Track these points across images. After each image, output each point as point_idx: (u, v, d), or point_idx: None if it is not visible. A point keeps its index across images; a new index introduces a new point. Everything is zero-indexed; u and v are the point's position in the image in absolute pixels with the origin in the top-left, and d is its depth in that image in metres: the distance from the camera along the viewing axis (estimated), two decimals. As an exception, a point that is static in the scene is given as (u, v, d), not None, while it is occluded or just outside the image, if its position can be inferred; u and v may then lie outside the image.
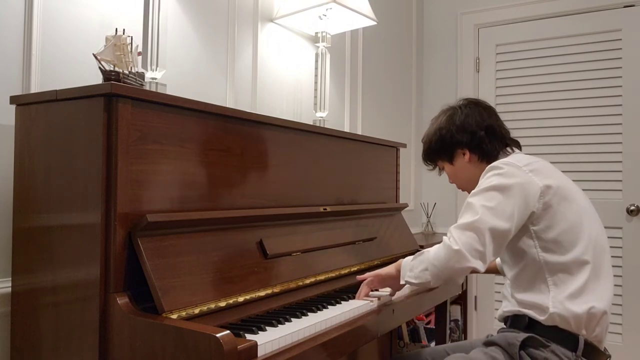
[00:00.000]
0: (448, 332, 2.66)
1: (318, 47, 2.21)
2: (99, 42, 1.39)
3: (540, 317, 1.34)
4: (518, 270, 1.42)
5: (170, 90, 1.53)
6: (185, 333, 0.94)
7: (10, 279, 1.24)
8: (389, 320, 1.47)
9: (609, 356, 1.40)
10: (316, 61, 2.22)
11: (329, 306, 1.37)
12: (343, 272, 1.65)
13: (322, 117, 2.21)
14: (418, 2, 3.48)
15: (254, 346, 0.97)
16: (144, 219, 1.08)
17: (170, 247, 1.12)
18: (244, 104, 2.03)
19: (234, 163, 1.37)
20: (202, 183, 1.27)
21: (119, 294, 1.05)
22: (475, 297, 3.30)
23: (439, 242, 2.42)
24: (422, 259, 1.37)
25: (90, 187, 1.08)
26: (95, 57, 1.26)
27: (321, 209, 1.65)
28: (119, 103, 1.07)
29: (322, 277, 1.55)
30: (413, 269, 1.38)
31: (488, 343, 1.41)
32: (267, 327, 1.13)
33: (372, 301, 1.44)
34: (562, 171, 1.51)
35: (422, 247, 2.27)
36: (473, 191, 1.40)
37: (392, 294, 1.52)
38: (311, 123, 2.08)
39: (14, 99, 1.23)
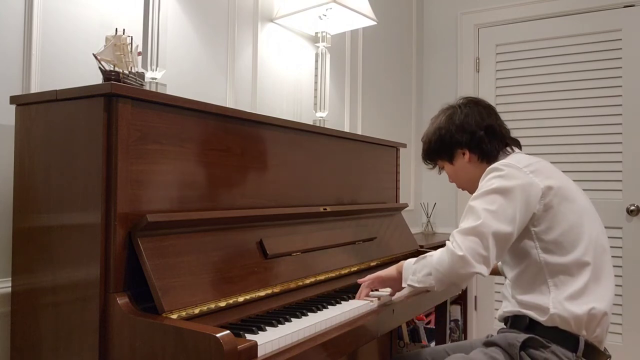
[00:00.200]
0: (448, 332, 2.66)
1: (318, 47, 2.21)
2: (99, 42, 1.39)
3: (540, 318, 1.34)
4: (519, 271, 1.42)
5: (170, 90, 1.53)
6: (185, 333, 0.94)
7: (10, 279, 1.24)
8: (389, 320, 1.47)
9: (609, 356, 1.39)
10: (316, 61, 2.22)
11: (329, 306, 1.37)
12: (343, 272, 1.65)
13: (322, 117, 2.21)
14: (418, 2, 3.48)
15: (254, 346, 0.97)
16: (144, 219, 1.08)
17: (170, 247, 1.12)
18: (244, 104, 2.03)
19: (234, 163, 1.37)
20: (202, 183, 1.27)
21: (119, 294, 1.05)
22: (475, 297, 3.30)
23: (439, 242, 2.41)
24: (425, 263, 1.36)
25: (90, 187, 1.08)
26: (95, 57, 1.26)
27: (321, 209, 1.65)
28: (119, 103, 1.07)
29: (322, 277, 1.55)
30: (416, 272, 1.38)
31: (488, 343, 1.41)
32: (267, 327, 1.13)
33: (372, 301, 1.44)
34: (562, 171, 1.50)
35: (422, 247, 2.28)
36: (474, 194, 1.40)
37: (392, 294, 1.52)
38: (311, 123, 2.08)
39: (14, 99, 1.23)
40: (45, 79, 1.38)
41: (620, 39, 2.94)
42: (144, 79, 1.37)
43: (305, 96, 2.39)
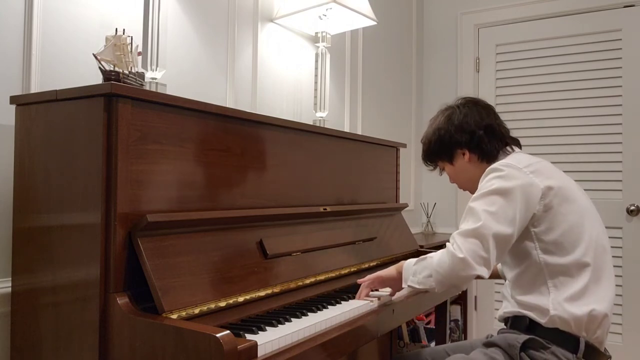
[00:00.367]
0: (448, 332, 2.66)
1: (318, 47, 2.21)
2: (99, 42, 1.39)
3: (541, 320, 1.34)
4: (518, 272, 1.41)
5: (170, 90, 1.53)
6: (185, 333, 0.94)
7: (10, 279, 1.24)
8: (389, 320, 1.47)
9: (609, 357, 1.39)
10: (316, 61, 2.22)
11: (329, 306, 1.37)
12: (343, 272, 1.65)
13: (322, 117, 2.21)
14: (418, 2, 3.48)
15: (254, 346, 0.97)
16: (144, 219, 1.08)
17: (170, 247, 1.12)
18: (244, 104, 2.03)
19: (234, 163, 1.37)
20: (202, 183, 1.27)
21: (119, 294, 1.05)
22: (475, 297, 3.30)
23: (439, 242, 2.41)
24: (425, 265, 1.36)
25: (90, 187, 1.08)
26: (95, 57, 1.26)
27: (321, 209, 1.65)
28: (119, 103, 1.07)
29: (322, 277, 1.55)
30: (416, 273, 1.38)
31: (488, 344, 1.41)
32: (267, 327, 1.13)
33: (372, 301, 1.44)
34: (563, 171, 1.50)
35: (422, 247, 2.28)
36: (474, 195, 1.39)
37: (392, 294, 1.52)
38: (311, 123, 2.08)
39: (14, 99, 1.23)
40: (45, 79, 1.38)
41: (620, 39, 2.94)
42: (144, 79, 1.37)
43: (305, 96, 2.39)
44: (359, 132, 2.75)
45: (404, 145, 2.32)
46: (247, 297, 1.24)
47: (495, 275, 1.76)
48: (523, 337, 1.34)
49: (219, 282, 1.19)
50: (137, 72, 1.32)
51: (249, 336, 1.04)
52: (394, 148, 2.26)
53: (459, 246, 1.29)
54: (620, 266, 2.89)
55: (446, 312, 2.31)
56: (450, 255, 1.29)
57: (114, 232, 1.06)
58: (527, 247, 1.39)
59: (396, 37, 3.23)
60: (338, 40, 2.60)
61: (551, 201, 1.36)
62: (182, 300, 1.08)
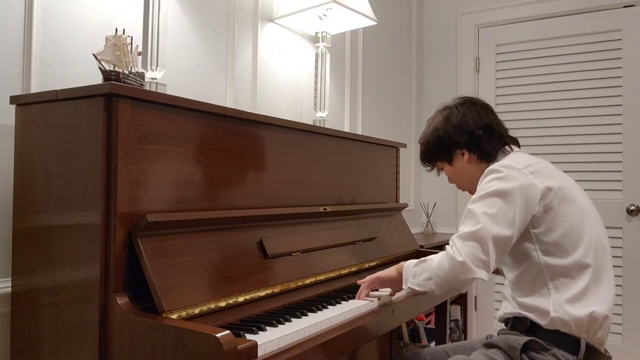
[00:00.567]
0: (448, 332, 2.66)
1: (318, 47, 2.21)
2: (99, 42, 1.39)
3: (541, 322, 1.33)
4: (518, 273, 1.41)
5: (170, 90, 1.53)
6: (185, 333, 0.94)
7: (10, 279, 1.24)
8: (389, 320, 1.47)
9: (610, 357, 1.39)
10: (316, 61, 2.22)
11: (329, 306, 1.37)
12: (343, 272, 1.65)
13: (322, 117, 2.21)
14: (418, 2, 3.48)
15: (254, 346, 0.97)
16: (144, 219, 1.08)
17: (170, 247, 1.12)
18: (244, 104, 2.03)
19: (233, 163, 1.37)
20: (202, 183, 1.27)
21: (119, 294, 1.05)
22: (475, 297, 3.30)
23: (439, 242, 2.41)
24: (425, 267, 1.36)
25: (90, 187, 1.08)
26: (95, 57, 1.26)
27: (321, 209, 1.65)
28: (119, 103, 1.07)
29: (322, 277, 1.55)
30: (416, 275, 1.38)
31: (489, 345, 1.41)
32: (267, 327, 1.13)
33: (372, 301, 1.44)
34: (563, 171, 1.50)
35: (422, 247, 2.28)
36: (473, 197, 1.39)
37: (392, 294, 1.52)
38: (311, 123, 2.08)
39: (14, 99, 1.23)
40: (45, 79, 1.38)
41: (620, 39, 2.94)
42: (144, 79, 1.37)
43: (305, 96, 2.39)
44: (359, 132, 2.75)
45: (404, 145, 2.32)
46: (247, 297, 1.24)
47: (496, 271, 1.75)
48: (524, 339, 1.33)
49: (219, 282, 1.19)
50: (137, 72, 1.32)
51: (249, 336, 1.04)
52: (394, 148, 2.26)
53: (458, 249, 1.29)
54: (620, 266, 2.89)
55: (446, 312, 2.31)
56: (450, 259, 1.29)
57: (114, 232, 1.06)
58: (527, 249, 1.38)
59: (396, 37, 3.23)
60: (338, 40, 2.60)
61: (551, 202, 1.35)
62: (182, 300, 1.08)
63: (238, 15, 2.01)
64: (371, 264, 1.81)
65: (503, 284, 1.56)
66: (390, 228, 2.06)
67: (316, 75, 2.22)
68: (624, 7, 2.95)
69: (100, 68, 1.26)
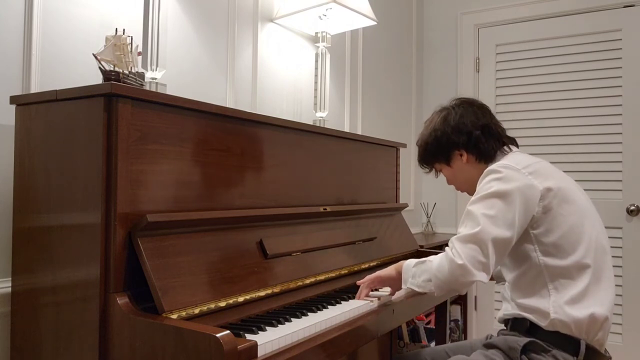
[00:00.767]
0: (448, 332, 2.66)
1: (318, 47, 2.21)
2: (99, 42, 1.39)
3: (541, 323, 1.33)
4: (518, 274, 1.41)
5: (170, 90, 1.53)
6: (185, 333, 0.94)
7: (10, 279, 1.24)
8: (389, 320, 1.47)
9: (610, 358, 1.39)
10: (316, 61, 2.22)
11: (329, 306, 1.37)
12: (343, 272, 1.65)
13: (322, 117, 2.21)
14: (418, 2, 3.48)
15: (254, 346, 0.96)
16: (144, 219, 1.08)
17: (170, 247, 1.12)
18: (244, 104, 2.03)
19: (233, 163, 1.37)
20: (202, 183, 1.27)
21: (119, 294, 1.05)
22: (475, 297, 3.30)
23: (439, 242, 2.40)
24: (424, 269, 1.36)
25: (90, 187, 1.08)
26: (95, 57, 1.26)
27: (321, 209, 1.65)
28: (119, 103, 1.07)
29: (322, 277, 1.55)
30: (415, 276, 1.37)
31: (489, 345, 1.41)
32: (267, 327, 1.13)
33: (372, 301, 1.44)
34: (563, 171, 1.49)
35: (422, 247, 2.28)
36: (472, 198, 1.38)
37: (392, 293, 1.52)
38: (311, 123, 2.08)
39: (14, 99, 1.23)
40: (45, 79, 1.38)
41: (620, 39, 2.94)
42: (144, 79, 1.37)
43: (305, 96, 2.39)
44: (359, 132, 2.75)
45: (404, 145, 2.32)
46: (247, 297, 1.24)
47: (490, 279, 1.75)
48: (524, 340, 1.33)
49: (219, 282, 1.19)
50: (137, 72, 1.32)
51: (249, 336, 1.04)
52: (394, 148, 2.26)
53: (458, 252, 1.28)
54: (620, 266, 2.89)
55: (446, 312, 2.31)
56: (450, 261, 1.29)
57: (114, 232, 1.06)
58: (526, 250, 1.38)
59: (396, 37, 3.23)
60: (338, 40, 2.60)
61: (550, 202, 1.35)
62: (182, 300, 1.08)
63: (238, 15, 2.01)
64: (371, 264, 1.81)
65: (503, 284, 1.55)
66: (390, 228, 2.06)
67: (316, 75, 2.22)
68: (624, 7, 2.95)
69: (100, 68, 1.26)
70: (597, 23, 3.01)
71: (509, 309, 1.43)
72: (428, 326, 2.72)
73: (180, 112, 1.22)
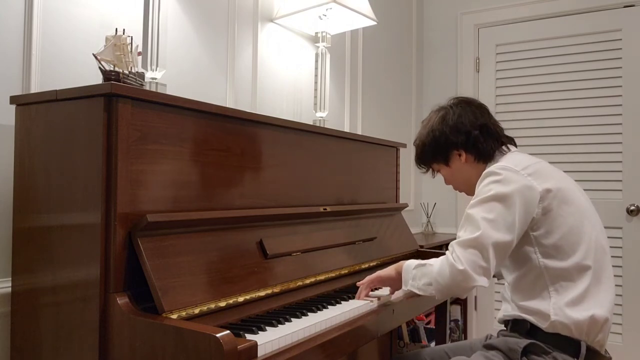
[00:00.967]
0: (448, 332, 2.67)
1: (318, 47, 2.21)
2: (99, 42, 1.39)
3: (541, 325, 1.33)
4: (518, 275, 1.40)
5: (170, 90, 1.53)
6: (185, 333, 0.94)
7: (10, 279, 1.24)
8: (389, 320, 1.47)
9: (610, 358, 1.38)
10: (316, 61, 2.22)
11: (329, 306, 1.37)
12: (343, 272, 1.65)
13: (322, 117, 2.21)
14: (418, 2, 3.48)
15: (254, 346, 0.97)
16: (144, 219, 1.08)
17: (170, 247, 1.12)
18: (244, 104, 2.03)
19: (233, 163, 1.37)
20: (202, 183, 1.27)
21: (119, 294, 1.05)
22: (475, 297, 3.30)
23: (439, 242, 2.39)
24: (425, 272, 1.35)
25: (90, 187, 1.08)
26: (95, 57, 1.26)
27: (321, 209, 1.65)
28: (119, 103, 1.07)
29: (322, 277, 1.55)
30: (416, 279, 1.37)
31: (489, 346, 1.40)
32: (267, 327, 1.13)
33: (372, 301, 1.44)
34: (563, 171, 1.49)
35: (422, 247, 2.28)
36: (472, 201, 1.37)
37: (391, 292, 1.51)
38: (311, 123, 2.08)
39: (14, 99, 1.23)
40: (45, 79, 1.38)
41: (620, 39, 2.94)
42: (144, 79, 1.37)
43: (305, 96, 2.39)
44: (359, 132, 2.75)
45: (404, 145, 2.32)
46: (247, 297, 1.24)
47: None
48: (524, 342, 1.33)
49: (219, 282, 1.19)
50: (137, 72, 1.32)
51: (249, 336, 1.04)
52: (394, 148, 2.26)
53: (458, 257, 1.28)
54: (620, 266, 2.89)
55: (446, 312, 2.31)
56: (450, 266, 1.28)
57: (114, 232, 1.06)
58: (526, 252, 1.37)
59: (396, 37, 3.23)
60: (338, 40, 2.60)
61: (550, 204, 1.34)
62: (182, 300, 1.08)
63: (238, 15, 2.01)
64: (371, 264, 1.81)
65: (503, 284, 1.55)
66: (390, 228, 2.06)
67: (316, 75, 2.22)
68: (624, 7, 2.95)
69: (100, 68, 1.26)
70: (597, 23, 3.01)
71: (509, 310, 1.42)
72: (428, 326, 2.72)
73: (180, 112, 1.22)
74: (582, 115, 3.04)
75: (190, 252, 1.16)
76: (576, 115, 3.05)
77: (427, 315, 2.76)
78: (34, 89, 1.34)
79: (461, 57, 3.40)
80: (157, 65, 1.45)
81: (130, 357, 1.01)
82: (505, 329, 1.45)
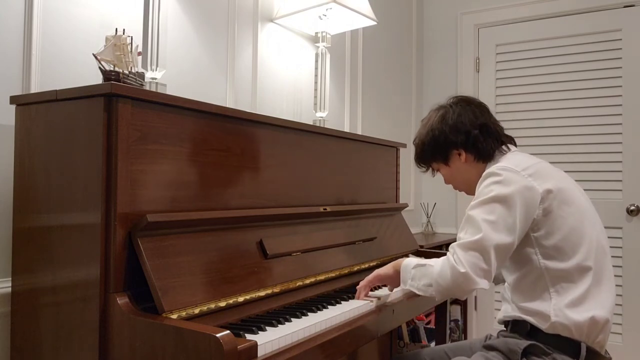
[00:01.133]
0: (448, 332, 2.67)
1: (318, 47, 2.21)
2: (99, 42, 1.39)
3: (541, 326, 1.32)
4: (519, 276, 1.40)
5: (170, 90, 1.53)
6: (185, 333, 0.94)
7: (10, 279, 1.24)
8: (389, 320, 1.47)
9: (610, 358, 1.38)
10: (316, 61, 2.22)
11: (329, 306, 1.37)
12: (343, 272, 1.65)
13: (322, 117, 2.21)
14: (418, 2, 3.48)
15: (254, 346, 0.97)
16: (144, 219, 1.08)
17: (170, 247, 1.12)
18: (244, 104, 2.03)
19: (233, 163, 1.37)
20: (202, 183, 1.27)
21: (119, 294, 1.05)
22: (475, 297, 3.30)
23: (439, 242, 2.39)
24: (425, 272, 1.35)
25: (90, 187, 1.08)
26: (95, 57, 1.26)
27: (321, 209, 1.65)
28: (119, 103, 1.07)
29: (322, 277, 1.55)
30: (415, 279, 1.37)
31: (489, 347, 1.40)
32: (267, 327, 1.13)
33: (371, 301, 1.44)
34: (563, 171, 1.49)
35: (422, 247, 2.28)
36: (472, 202, 1.37)
37: (390, 289, 1.51)
38: (311, 123, 2.08)
39: (14, 99, 1.23)
40: (45, 79, 1.38)
41: (620, 39, 2.94)
42: (144, 79, 1.37)
43: (305, 96, 2.39)
44: (359, 132, 2.75)
45: (404, 145, 2.32)
46: (247, 297, 1.24)
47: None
48: (524, 343, 1.32)
49: (219, 282, 1.19)
50: (137, 72, 1.32)
51: (249, 336, 1.04)
52: (394, 148, 2.26)
53: (459, 259, 1.27)
54: (620, 266, 2.89)
55: (446, 312, 2.31)
56: (451, 268, 1.27)
57: (114, 232, 1.06)
58: (527, 253, 1.37)
59: (396, 37, 3.23)
60: (338, 40, 2.60)
61: (550, 204, 1.34)
62: (182, 300, 1.08)
63: (238, 15, 2.01)
64: (371, 264, 1.81)
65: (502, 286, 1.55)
66: (390, 228, 2.06)
67: (316, 75, 2.22)
68: (624, 7, 2.95)
69: (100, 68, 1.26)
70: (597, 23, 3.01)
71: (509, 311, 1.42)
72: (428, 326, 2.72)
73: (180, 112, 1.22)
74: (582, 115, 3.04)
75: (190, 252, 1.16)
76: (576, 115, 3.05)
77: (427, 315, 2.76)
78: (34, 89, 1.34)
79: (461, 57, 3.40)
80: (157, 65, 1.45)
81: (130, 357, 1.01)
82: (505, 329, 1.45)
